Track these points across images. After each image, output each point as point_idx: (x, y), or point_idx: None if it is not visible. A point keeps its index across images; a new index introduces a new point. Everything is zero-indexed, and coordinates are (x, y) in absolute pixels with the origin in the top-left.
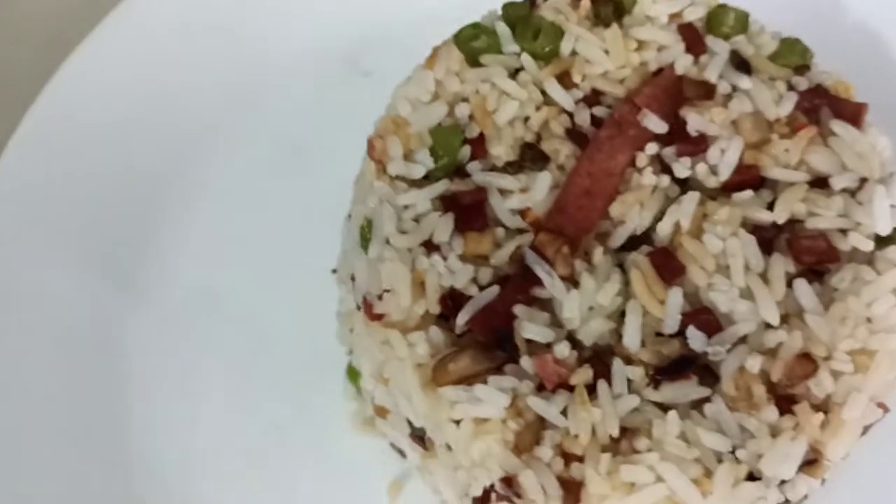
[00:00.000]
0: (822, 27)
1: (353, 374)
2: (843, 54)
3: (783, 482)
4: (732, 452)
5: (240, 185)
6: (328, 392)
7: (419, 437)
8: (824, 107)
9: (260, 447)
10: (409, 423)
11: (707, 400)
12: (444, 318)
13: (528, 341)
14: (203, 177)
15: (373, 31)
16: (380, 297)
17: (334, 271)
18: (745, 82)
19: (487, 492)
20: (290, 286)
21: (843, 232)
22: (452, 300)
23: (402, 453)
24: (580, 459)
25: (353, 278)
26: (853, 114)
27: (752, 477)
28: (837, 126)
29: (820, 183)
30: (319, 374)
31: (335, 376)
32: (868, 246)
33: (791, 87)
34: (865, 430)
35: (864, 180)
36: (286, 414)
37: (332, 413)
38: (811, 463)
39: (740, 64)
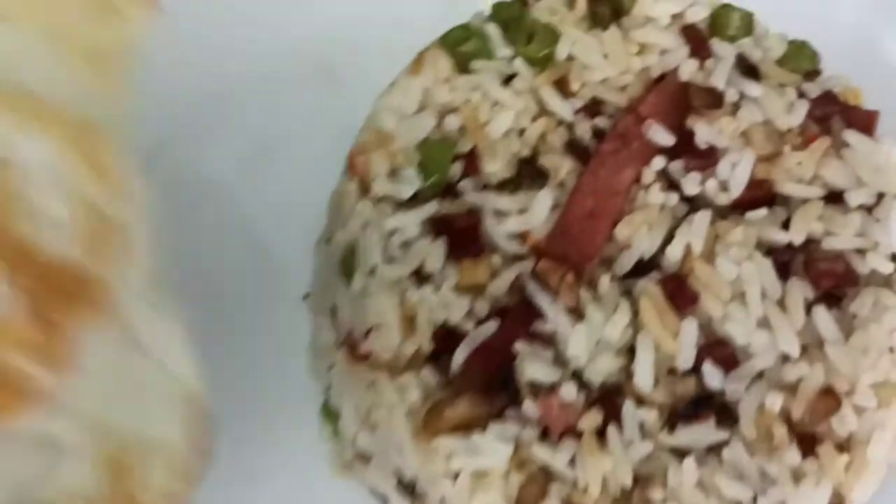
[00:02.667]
0: (814, 28)
1: (329, 414)
2: (837, 58)
3: None
4: (753, 501)
5: (201, 198)
6: (299, 431)
7: (410, 489)
8: (836, 115)
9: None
10: (398, 474)
11: (725, 444)
12: (437, 357)
13: (531, 383)
14: (168, 187)
15: (345, 33)
16: (366, 335)
17: (306, 297)
18: (754, 89)
19: None
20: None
21: (862, 253)
22: (446, 337)
23: (384, 500)
24: None
25: (332, 311)
26: (865, 123)
27: None
28: (851, 136)
29: (834, 198)
30: (290, 410)
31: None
32: (888, 268)
33: (801, 95)
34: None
35: (881, 195)
36: (252, 455)
37: (304, 454)
38: None
39: (748, 69)
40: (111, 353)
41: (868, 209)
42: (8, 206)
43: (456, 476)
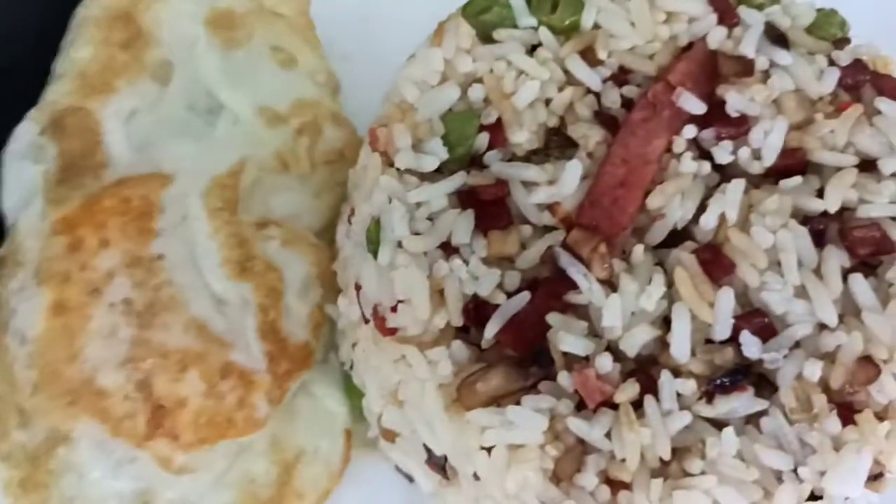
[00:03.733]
0: None
1: (352, 391)
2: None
3: (846, 500)
4: (794, 471)
5: None
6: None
7: (440, 465)
8: (867, 83)
9: None
10: (428, 449)
11: (764, 413)
12: (468, 330)
13: (565, 354)
14: None
15: (348, 7)
16: (393, 309)
17: None
18: (784, 58)
19: None
20: None
21: (895, 220)
22: (477, 310)
23: (409, 478)
24: (628, 487)
25: (357, 287)
26: (894, 89)
27: (813, 496)
28: (883, 104)
29: (868, 166)
30: None
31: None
32: None
33: (832, 63)
34: None
35: None
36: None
37: None
38: (875, 478)
39: (777, 37)
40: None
41: None
42: (279, 311)
43: (490, 450)
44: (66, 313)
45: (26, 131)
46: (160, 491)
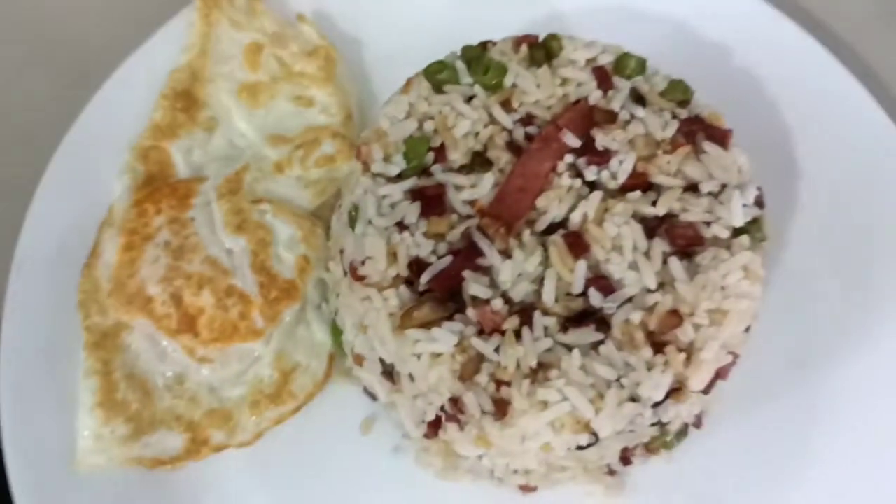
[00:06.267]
0: (706, 71)
1: (335, 331)
2: (722, 92)
3: (656, 404)
4: (618, 381)
5: None
6: None
7: (389, 373)
8: (699, 131)
9: None
10: (382, 362)
11: (602, 342)
12: (410, 281)
13: (473, 297)
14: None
15: (360, 65)
16: (363, 263)
17: None
18: (640, 112)
19: (439, 417)
20: None
21: (708, 224)
22: (417, 266)
23: (373, 397)
24: (508, 384)
25: (341, 252)
26: (721, 137)
27: (632, 399)
28: (708, 146)
29: (692, 187)
30: None
31: None
32: (726, 234)
33: (674, 116)
34: (723, 373)
35: (724, 186)
36: None
37: None
38: (677, 391)
39: (638, 98)
40: (293, 321)
41: (715, 195)
42: (268, 255)
43: (419, 357)
44: (131, 250)
45: (126, 159)
46: (191, 375)
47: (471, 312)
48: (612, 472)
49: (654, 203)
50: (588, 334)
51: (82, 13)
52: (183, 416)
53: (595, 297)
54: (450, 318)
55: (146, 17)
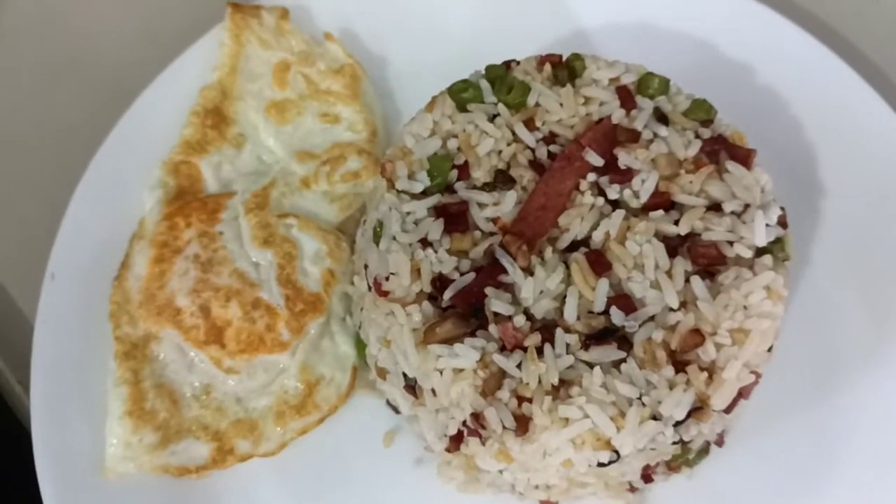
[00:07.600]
0: (729, 90)
1: (359, 344)
2: (745, 111)
3: (678, 423)
4: (640, 399)
5: None
6: None
7: (411, 387)
8: (722, 151)
9: None
10: (405, 376)
11: (623, 361)
12: (433, 296)
13: (495, 313)
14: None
15: (385, 82)
16: (387, 279)
17: None
18: (663, 131)
19: (461, 431)
20: None
21: (731, 243)
22: (440, 282)
23: (396, 410)
24: (529, 401)
25: (366, 267)
26: (744, 157)
27: (654, 417)
28: (730, 165)
29: (715, 207)
30: None
31: None
32: (748, 254)
33: (697, 136)
34: (745, 392)
35: (747, 206)
36: None
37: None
38: (699, 410)
39: (661, 117)
40: (318, 333)
41: (738, 215)
42: (294, 269)
43: (442, 372)
44: (161, 263)
45: (157, 173)
46: (217, 385)
47: (493, 329)
48: (633, 489)
49: (676, 222)
50: (610, 352)
51: (116, 33)
52: (209, 425)
53: (617, 316)
54: (472, 334)
55: (176, 37)
